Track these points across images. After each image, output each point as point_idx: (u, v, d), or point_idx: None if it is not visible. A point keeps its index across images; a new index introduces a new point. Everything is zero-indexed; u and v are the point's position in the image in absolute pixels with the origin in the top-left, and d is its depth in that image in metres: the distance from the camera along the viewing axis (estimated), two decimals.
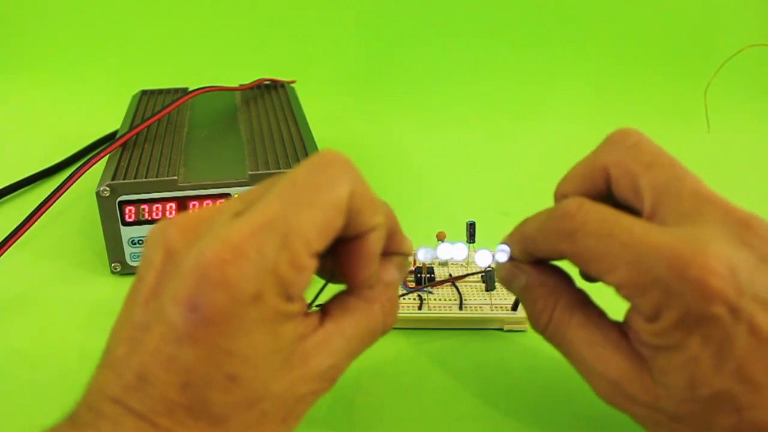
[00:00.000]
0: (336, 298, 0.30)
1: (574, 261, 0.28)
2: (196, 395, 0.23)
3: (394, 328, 0.42)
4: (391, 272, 0.31)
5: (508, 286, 0.33)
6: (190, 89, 0.57)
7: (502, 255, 0.33)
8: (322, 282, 0.31)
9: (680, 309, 0.24)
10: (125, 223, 0.46)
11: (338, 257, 0.28)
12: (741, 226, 0.25)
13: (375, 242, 0.28)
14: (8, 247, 0.45)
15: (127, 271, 0.47)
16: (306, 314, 0.27)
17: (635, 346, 0.27)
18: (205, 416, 0.24)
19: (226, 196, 0.46)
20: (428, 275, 0.45)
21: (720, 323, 0.24)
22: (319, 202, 0.25)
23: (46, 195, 0.47)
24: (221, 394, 0.23)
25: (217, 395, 0.23)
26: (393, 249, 0.31)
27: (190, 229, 0.25)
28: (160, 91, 0.64)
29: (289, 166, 0.47)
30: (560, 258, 0.30)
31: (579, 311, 0.30)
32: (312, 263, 0.25)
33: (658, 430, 0.27)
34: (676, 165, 0.29)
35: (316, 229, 0.25)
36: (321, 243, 0.25)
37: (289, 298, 0.24)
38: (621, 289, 0.27)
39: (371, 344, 0.30)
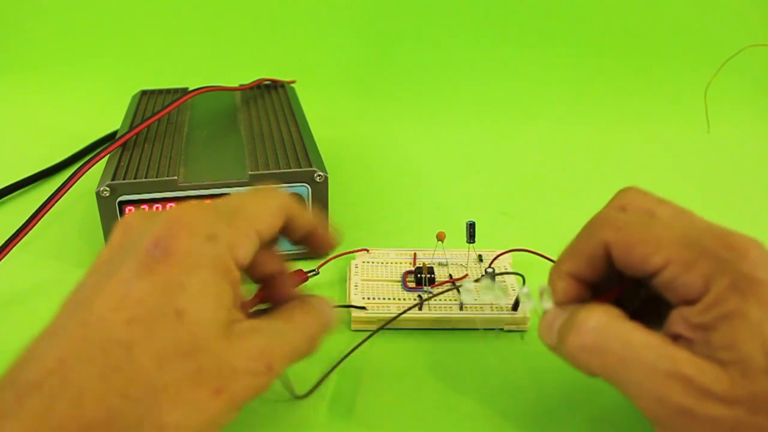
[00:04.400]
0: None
1: (617, 250, 0.30)
2: (141, 329, 0.25)
3: (395, 329, 0.42)
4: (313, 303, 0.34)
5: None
6: (190, 89, 0.57)
7: (547, 303, 0.33)
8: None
9: (732, 274, 0.26)
10: None
11: (265, 281, 0.34)
12: None
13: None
14: (9, 250, 0.45)
15: None
16: (244, 306, 0.31)
17: (689, 343, 0.27)
18: (145, 355, 0.24)
19: (226, 196, 0.46)
20: (428, 275, 0.45)
21: None
22: (266, 201, 0.31)
23: (46, 195, 0.47)
24: (166, 330, 0.25)
25: (162, 330, 0.25)
26: (301, 226, 0.33)
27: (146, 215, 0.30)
28: (160, 91, 0.64)
29: (289, 166, 0.47)
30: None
31: (627, 321, 0.29)
32: (254, 240, 0.29)
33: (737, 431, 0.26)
34: (682, 214, 0.31)
35: (263, 213, 0.30)
36: (264, 225, 0.30)
37: (235, 258, 0.28)
38: (668, 266, 0.28)
39: (310, 342, 0.32)
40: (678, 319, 0.28)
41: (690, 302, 0.27)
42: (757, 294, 0.26)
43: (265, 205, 0.31)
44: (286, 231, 0.32)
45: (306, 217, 0.33)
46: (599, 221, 0.31)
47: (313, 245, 0.35)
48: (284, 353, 0.29)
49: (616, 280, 0.33)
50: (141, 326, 0.25)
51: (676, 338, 0.28)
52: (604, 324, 0.28)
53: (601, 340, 0.28)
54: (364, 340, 0.39)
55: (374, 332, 0.40)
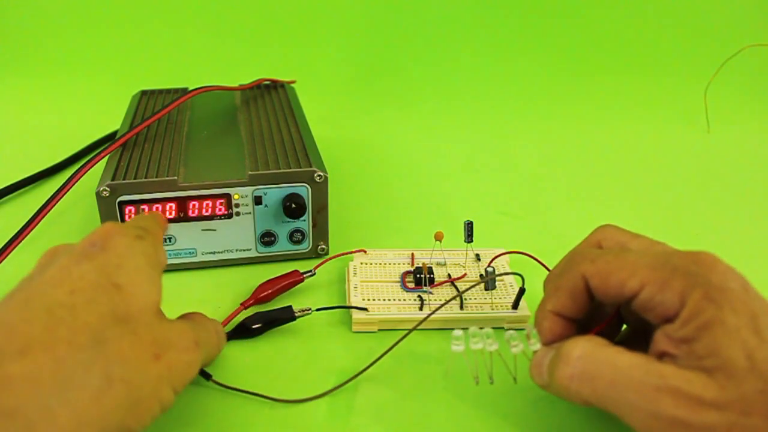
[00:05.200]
0: None
1: (595, 280, 0.31)
2: (82, 296, 0.27)
3: (396, 329, 0.42)
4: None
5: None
6: (190, 89, 0.57)
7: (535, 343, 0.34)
8: None
9: (704, 286, 0.28)
10: None
11: None
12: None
13: None
14: (11, 250, 0.45)
15: None
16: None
17: (674, 359, 0.28)
18: (87, 313, 0.26)
19: (226, 196, 0.46)
20: (428, 275, 0.45)
21: (740, 296, 0.27)
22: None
23: (46, 195, 0.47)
24: (105, 297, 0.27)
25: (101, 297, 0.27)
26: None
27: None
28: (160, 91, 0.64)
29: (288, 166, 0.47)
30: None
31: (611, 346, 0.30)
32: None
33: None
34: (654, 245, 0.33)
35: (160, 231, 0.35)
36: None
37: (159, 256, 0.32)
38: (644, 288, 0.29)
39: (219, 335, 0.36)
40: (661, 338, 0.29)
41: (669, 319, 0.29)
42: (730, 302, 0.27)
43: (157, 226, 0.35)
44: None
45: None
46: (575, 257, 0.33)
47: None
48: (204, 336, 0.33)
49: (599, 318, 0.34)
50: (82, 294, 0.27)
51: (662, 356, 0.29)
52: (590, 351, 0.29)
53: (588, 366, 0.29)
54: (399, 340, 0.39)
55: (407, 333, 0.40)
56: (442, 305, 0.38)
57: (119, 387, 0.25)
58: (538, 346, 0.33)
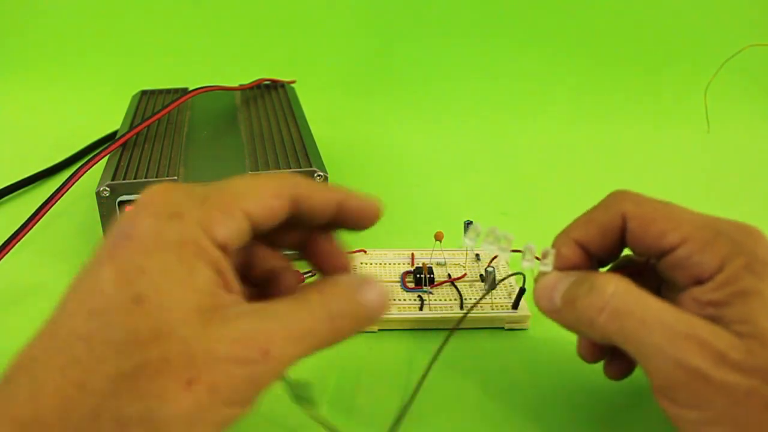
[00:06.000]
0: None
1: (634, 222, 0.31)
2: (98, 320, 0.23)
3: (395, 329, 0.42)
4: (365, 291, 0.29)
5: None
6: (190, 89, 0.57)
7: (546, 266, 0.32)
8: None
9: (747, 255, 0.28)
10: None
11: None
12: None
13: None
14: (9, 249, 0.45)
15: None
16: (240, 292, 0.26)
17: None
18: (102, 346, 0.23)
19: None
20: (428, 275, 0.45)
21: None
22: (260, 181, 0.28)
23: (46, 195, 0.47)
24: (123, 318, 0.23)
25: (118, 319, 0.23)
26: (320, 205, 0.29)
27: None
28: (160, 91, 0.64)
29: (288, 166, 0.47)
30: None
31: (641, 289, 0.30)
32: (239, 219, 0.26)
33: (750, 400, 0.26)
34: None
35: (254, 192, 0.27)
36: (256, 205, 0.26)
37: (212, 236, 0.25)
38: (684, 244, 0.29)
39: (332, 323, 0.26)
40: (688, 299, 0.29)
41: (700, 281, 0.29)
42: None
43: (259, 185, 0.27)
44: (302, 216, 0.28)
45: (323, 193, 0.28)
46: (619, 195, 0.32)
47: (348, 222, 0.30)
48: (290, 336, 0.25)
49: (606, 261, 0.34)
50: (99, 318, 0.23)
51: None
52: (624, 289, 0.29)
53: (621, 303, 0.29)
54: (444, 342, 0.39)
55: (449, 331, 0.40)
56: (474, 305, 0.38)
57: (136, 430, 0.22)
58: (549, 268, 0.32)
